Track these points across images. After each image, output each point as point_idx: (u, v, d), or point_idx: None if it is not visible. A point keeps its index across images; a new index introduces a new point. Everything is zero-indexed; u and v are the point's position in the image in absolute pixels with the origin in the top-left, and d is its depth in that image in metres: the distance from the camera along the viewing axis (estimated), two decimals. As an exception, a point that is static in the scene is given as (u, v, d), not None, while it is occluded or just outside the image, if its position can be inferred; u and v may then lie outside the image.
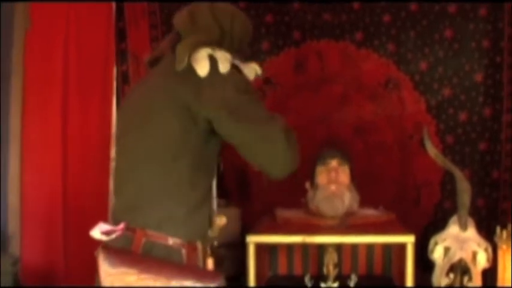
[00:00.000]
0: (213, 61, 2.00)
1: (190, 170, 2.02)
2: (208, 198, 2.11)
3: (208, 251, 2.12)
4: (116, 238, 2.02)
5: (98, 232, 2.04)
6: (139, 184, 2.03)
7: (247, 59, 2.24)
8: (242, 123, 1.98)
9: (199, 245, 2.05)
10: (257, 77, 2.17)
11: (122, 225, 2.02)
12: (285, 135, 1.99)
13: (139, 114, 2.10)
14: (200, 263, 2.07)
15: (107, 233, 2.01)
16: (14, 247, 3.77)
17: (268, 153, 2.01)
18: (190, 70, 2.01)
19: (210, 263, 2.11)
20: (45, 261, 3.81)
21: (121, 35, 3.96)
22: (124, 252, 2.00)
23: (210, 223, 2.10)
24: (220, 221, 2.08)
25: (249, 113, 1.99)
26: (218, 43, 2.11)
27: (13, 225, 3.80)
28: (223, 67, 2.00)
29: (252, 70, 2.14)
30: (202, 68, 1.99)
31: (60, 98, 3.85)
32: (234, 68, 2.06)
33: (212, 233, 2.12)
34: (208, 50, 2.02)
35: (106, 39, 3.92)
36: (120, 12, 3.96)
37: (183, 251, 2.00)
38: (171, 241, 1.99)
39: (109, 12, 3.93)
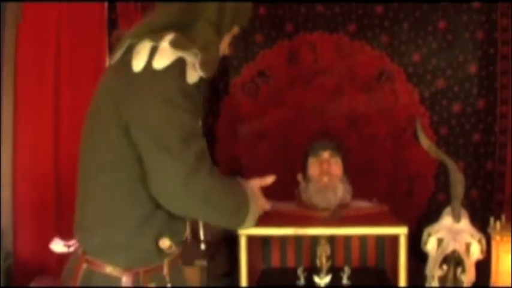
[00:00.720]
0: (152, 55, 1.79)
1: (132, 182, 1.82)
2: (158, 213, 1.86)
3: (166, 272, 1.89)
4: (72, 255, 1.93)
5: (59, 246, 1.98)
6: (84, 201, 1.89)
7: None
8: (146, 136, 1.75)
9: (141, 271, 1.86)
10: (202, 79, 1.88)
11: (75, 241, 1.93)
12: (183, 178, 1.72)
13: (89, 116, 1.95)
14: None
15: (67, 246, 1.96)
16: (7, 242, 3.75)
17: (158, 185, 1.77)
18: (129, 63, 1.81)
19: None
20: (37, 255, 3.79)
21: (113, 28, 3.94)
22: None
23: (157, 244, 1.87)
24: (163, 244, 1.86)
25: (158, 129, 1.75)
26: (183, 25, 1.87)
27: (5, 219, 3.77)
28: (158, 63, 1.77)
29: (195, 75, 1.84)
30: (138, 63, 1.79)
31: (52, 91, 3.82)
32: (179, 63, 1.80)
33: (167, 250, 1.89)
34: (151, 43, 1.81)
35: (98, 32, 3.90)
36: (112, 8, 3.94)
37: (123, 280, 1.84)
38: (108, 269, 1.83)
39: (101, 8, 3.91)
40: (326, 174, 3.05)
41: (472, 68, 3.81)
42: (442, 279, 2.77)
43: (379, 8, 3.86)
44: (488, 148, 3.81)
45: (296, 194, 3.19)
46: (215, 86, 3.99)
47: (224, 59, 3.88)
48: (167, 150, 1.73)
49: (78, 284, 1.87)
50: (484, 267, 2.88)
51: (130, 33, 1.87)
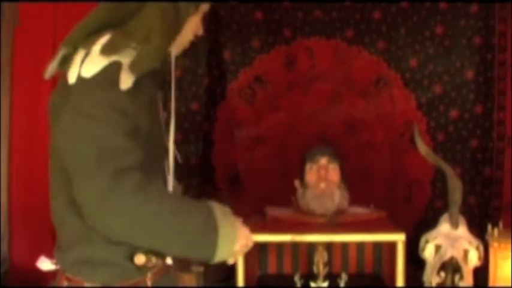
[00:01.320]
0: (83, 63, 1.63)
1: None
2: None
3: (150, 285, 1.80)
4: (57, 272, 1.90)
5: (46, 264, 1.94)
6: (57, 220, 1.81)
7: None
8: (67, 158, 1.60)
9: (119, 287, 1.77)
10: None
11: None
12: (98, 200, 1.55)
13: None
14: None
15: (54, 263, 1.93)
16: (3, 247, 3.73)
17: (82, 208, 1.61)
18: (66, 75, 1.67)
19: None
20: (33, 261, 3.75)
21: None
22: None
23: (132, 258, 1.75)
24: (138, 260, 1.74)
25: (73, 149, 1.58)
26: (125, 20, 1.71)
27: (1, 225, 3.75)
28: (86, 70, 1.61)
29: (128, 80, 1.61)
30: (72, 74, 1.63)
31: (50, 94, 3.81)
32: (113, 68, 1.61)
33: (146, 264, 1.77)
34: (84, 50, 1.66)
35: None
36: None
37: None
38: (87, 286, 1.75)
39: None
40: (323, 180, 3.05)
41: (469, 74, 3.80)
42: (440, 286, 2.76)
43: (376, 14, 3.85)
44: (486, 154, 3.80)
45: (293, 200, 3.18)
46: (212, 91, 3.98)
47: (221, 63, 3.96)
48: (82, 172, 1.56)
49: None
50: (482, 274, 2.88)
51: (65, 41, 1.72)
